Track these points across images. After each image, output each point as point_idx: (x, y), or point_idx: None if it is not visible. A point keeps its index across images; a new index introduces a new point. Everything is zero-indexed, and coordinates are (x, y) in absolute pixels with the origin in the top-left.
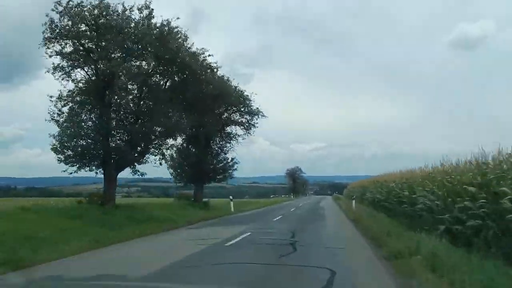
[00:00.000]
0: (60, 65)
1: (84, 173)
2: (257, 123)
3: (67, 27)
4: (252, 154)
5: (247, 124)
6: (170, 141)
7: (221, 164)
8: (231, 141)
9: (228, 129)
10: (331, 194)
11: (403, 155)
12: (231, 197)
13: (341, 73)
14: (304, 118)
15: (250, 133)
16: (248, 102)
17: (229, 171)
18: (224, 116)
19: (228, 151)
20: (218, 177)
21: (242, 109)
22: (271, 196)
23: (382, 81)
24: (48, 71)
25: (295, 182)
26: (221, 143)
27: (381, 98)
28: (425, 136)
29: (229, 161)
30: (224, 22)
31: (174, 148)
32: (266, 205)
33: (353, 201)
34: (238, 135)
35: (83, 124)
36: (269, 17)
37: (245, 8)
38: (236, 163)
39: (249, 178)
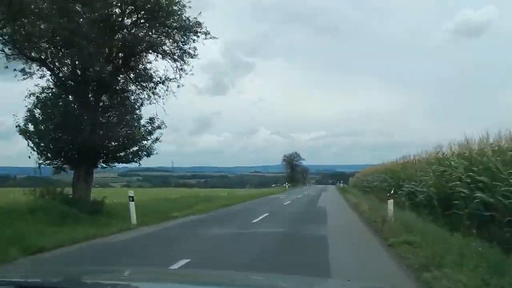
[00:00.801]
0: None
1: None
2: (196, 50)
3: None
4: (254, 144)
5: (178, 53)
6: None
7: (125, 131)
8: (149, 87)
9: (142, 62)
10: (334, 183)
11: (404, 144)
12: (131, 193)
13: (342, 61)
14: (304, 106)
15: (184, 72)
16: (178, 10)
17: (144, 142)
18: (129, 34)
19: (140, 106)
20: (120, 154)
21: (167, 22)
22: (273, 185)
23: (383, 68)
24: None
25: (293, 170)
26: (125, 91)
27: (382, 86)
28: (427, 124)
29: (144, 124)
30: (225, 9)
31: (33, 98)
32: (240, 201)
33: (390, 203)
34: (166, 78)
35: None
36: (268, 4)
37: None
38: (160, 127)
39: (251, 167)
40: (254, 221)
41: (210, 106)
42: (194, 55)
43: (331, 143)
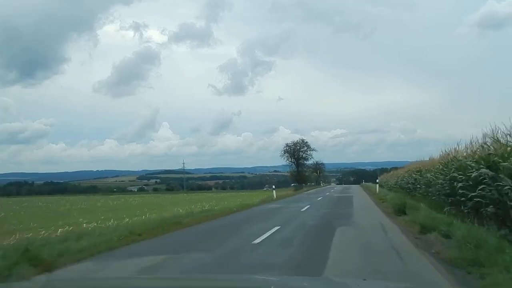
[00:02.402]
0: None
1: (107, 166)
2: None
3: None
4: (274, 143)
5: None
6: None
7: None
8: None
9: None
10: (357, 182)
11: (428, 141)
12: None
13: (362, 59)
14: (325, 105)
15: None
16: None
17: None
18: None
19: None
20: None
21: None
22: (265, 188)
23: (405, 65)
24: None
25: (300, 165)
26: None
27: (403, 83)
28: (451, 121)
29: None
30: (244, 9)
31: None
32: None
33: None
34: None
35: None
36: (288, 2)
37: None
38: None
39: (272, 166)
40: None
41: (229, 106)
42: None
43: (352, 141)
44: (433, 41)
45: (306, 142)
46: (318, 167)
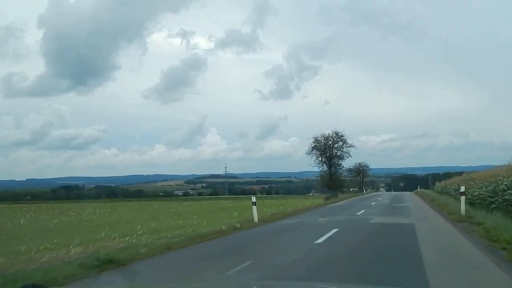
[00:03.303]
0: None
1: (157, 170)
2: None
3: None
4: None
5: None
6: None
7: None
8: None
9: None
10: (408, 188)
11: (481, 144)
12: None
13: (411, 61)
14: (372, 109)
15: None
16: None
17: None
18: None
19: None
20: None
21: None
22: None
23: (455, 67)
24: None
25: (333, 166)
26: None
27: (453, 85)
28: (504, 123)
29: None
30: (290, 13)
31: None
32: None
33: None
34: None
35: None
36: (335, 5)
37: None
38: None
39: (318, 172)
40: None
41: (275, 111)
42: None
43: (402, 146)
44: (484, 45)
45: (342, 136)
46: (361, 170)
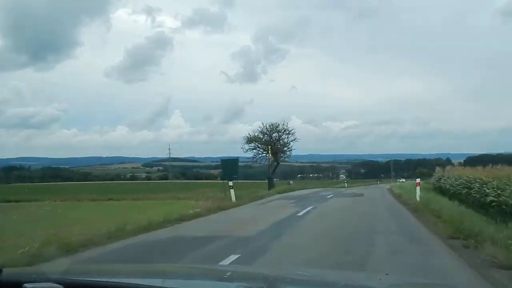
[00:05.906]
0: None
1: (118, 152)
2: None
3: None
4: None
5: None
6: None
7: None
8: None
9: None
10: (370, 176)
11: (440, 133)
12: None
13: (380, 47)
14: (338, 95)
15: None
16: None
17: None
18: None
19: None
20: None
21: None
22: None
23: (422, 53)
24: None
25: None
26: None
27: (419, 73)
28: (465, 113)
29: None
30: None
31: None
32: None
33: None
34: None
35: None
36: None
37: None
38: None
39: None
40: None
41: (241, 94)
42: None
43: (365, 133)
44: (455, 30)
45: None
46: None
